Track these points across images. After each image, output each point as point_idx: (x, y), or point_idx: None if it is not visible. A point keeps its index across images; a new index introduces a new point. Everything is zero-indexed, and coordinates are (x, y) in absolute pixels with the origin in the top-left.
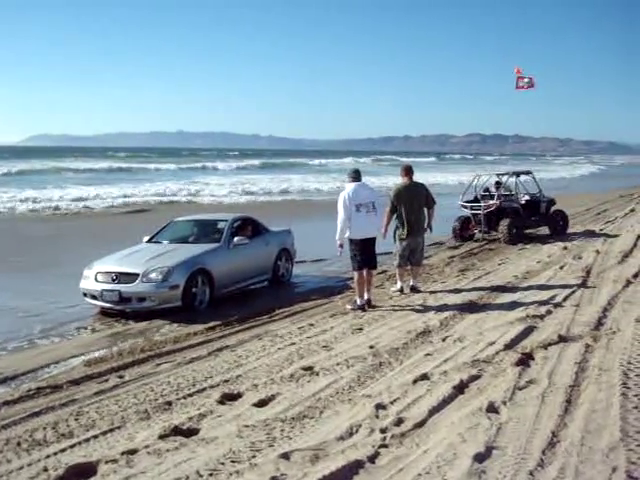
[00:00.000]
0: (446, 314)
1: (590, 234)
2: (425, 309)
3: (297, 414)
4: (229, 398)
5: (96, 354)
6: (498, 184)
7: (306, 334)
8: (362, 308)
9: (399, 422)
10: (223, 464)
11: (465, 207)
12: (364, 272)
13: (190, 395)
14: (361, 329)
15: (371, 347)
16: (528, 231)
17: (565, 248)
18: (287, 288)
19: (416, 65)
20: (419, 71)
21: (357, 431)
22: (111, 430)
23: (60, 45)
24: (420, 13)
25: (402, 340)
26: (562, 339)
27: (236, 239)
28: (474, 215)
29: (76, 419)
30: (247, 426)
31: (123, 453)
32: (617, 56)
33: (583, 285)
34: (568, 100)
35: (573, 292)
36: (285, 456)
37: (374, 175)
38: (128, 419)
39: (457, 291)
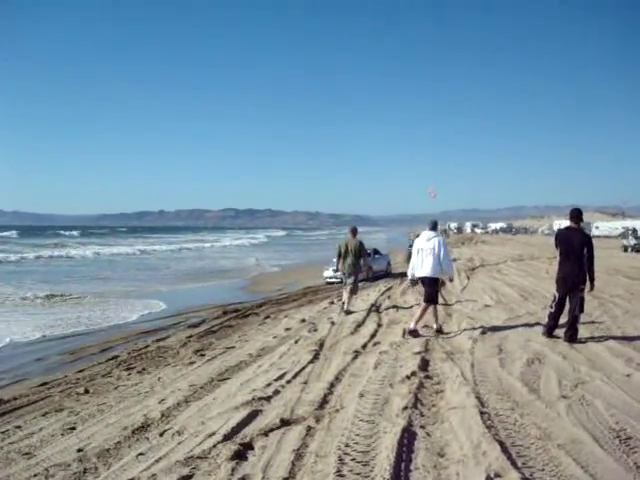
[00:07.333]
0: (170, 403)
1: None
2: (149, 398)
3: None
4: None
5: None
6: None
7: (9, 439)
8: (409, 332)
9: None
10: None
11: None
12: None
13: None
14: (74, 428)
15: (79, 450)
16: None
17: (303, 320)
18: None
19: (167, 141)
20: (170, 148)
21: None
22: None
23: None
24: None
25: (116, 439)
26: (284, 423)
27: (375, 256)
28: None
29: None
30: None
31: None
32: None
33: (315, 359)
34: (315, 176)
35: (303, 368)
36: None
37: None
38: None
39: (188, 375)
